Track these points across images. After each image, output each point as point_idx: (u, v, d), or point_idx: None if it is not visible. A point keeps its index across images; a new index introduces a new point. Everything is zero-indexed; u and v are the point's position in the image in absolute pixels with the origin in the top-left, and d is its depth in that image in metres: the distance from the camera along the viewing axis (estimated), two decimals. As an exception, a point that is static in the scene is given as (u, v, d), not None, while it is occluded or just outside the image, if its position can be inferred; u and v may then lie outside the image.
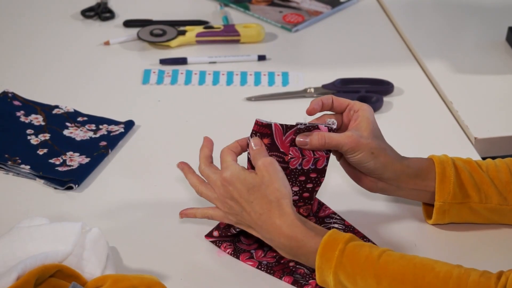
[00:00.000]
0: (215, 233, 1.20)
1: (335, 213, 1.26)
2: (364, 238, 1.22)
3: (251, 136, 1.16)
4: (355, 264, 1.06)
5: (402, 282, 1.04)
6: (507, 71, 1.64)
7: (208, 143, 1.20)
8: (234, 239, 1.21)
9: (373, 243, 1.19)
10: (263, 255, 1.19)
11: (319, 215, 1.26)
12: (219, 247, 1.20)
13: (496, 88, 1.60)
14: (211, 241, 1.21)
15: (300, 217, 1.11)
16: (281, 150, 1.15)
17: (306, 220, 1.12)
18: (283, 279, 1.16)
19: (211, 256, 1.19)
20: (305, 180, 1.17)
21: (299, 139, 1.15)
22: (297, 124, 1.16)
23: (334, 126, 1.17)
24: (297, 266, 1.17)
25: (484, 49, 1.71)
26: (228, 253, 1.19)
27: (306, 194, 1.17)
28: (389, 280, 1.05)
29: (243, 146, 1.16)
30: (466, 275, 1.03)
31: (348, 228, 1.23)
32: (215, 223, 1.22)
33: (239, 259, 1.19)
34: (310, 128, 1.15)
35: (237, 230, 1.18)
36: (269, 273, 1.17)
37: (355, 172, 1.21)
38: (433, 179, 1.20)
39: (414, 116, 1.53)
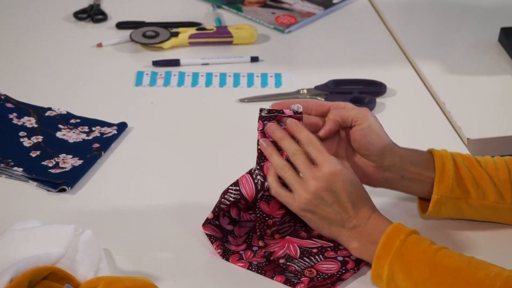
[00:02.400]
0: (210, 215, 1.19)
1: None
2: None
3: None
4: (413, 255, 1.09)
5: (454, 276, 1.07)
6: (499, 71, 1.65)
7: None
8: (223, 238, 1.20)
9: None
10: (252, 255, 1.19)
11: None
12: (212, 243, 1.20)
13: (488, 89, 1.60)
14: (207, 234, 1.20)
15: None
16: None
17: None
18: (275, 278, 1.16)
19: (204, 257, 1.19)
20: None
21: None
22: (261, 110, 1.17)
23: (300, 110, 1.18)
24: (288, 263, 1.17)
25: (477, 50, 1.72)
26: (219, 253, 1.19)
27: None
28: (442, 272, 1.07)
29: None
30: None
31: None
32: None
33: (229, 261, 1.19)
34: (273, 112, 1.16)
35: (228, 202, 1.18)
36: (260, 273, 1.17)
37: (362, 167, 1.22)
38: (433, 170, 1.21)
39: (407, 117, 1.53)
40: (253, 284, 1.16)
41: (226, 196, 1.18)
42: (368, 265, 1.17)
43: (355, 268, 1.16)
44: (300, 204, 1.14)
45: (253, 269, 1.17)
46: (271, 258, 1.18)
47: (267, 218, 1.19)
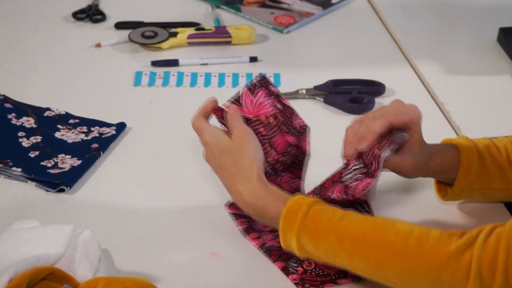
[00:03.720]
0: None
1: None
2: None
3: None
4: (318, 226, 1.08)
5: (363, 241, 1.05)
6: (498, 72, 1.65)
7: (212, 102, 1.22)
8: (251, 219, 1.21)
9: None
10: (271, 238, 1.20)
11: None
12: (236, 219, 1.21)
13: (487, 88, 1.60)
14: (231, 213, 1.22)
15: (265, 183, 1.13)
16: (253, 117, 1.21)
17: (269, 185, 1.13)
18: (275, 263, 1.17)
19: (204, 257, 1.19)
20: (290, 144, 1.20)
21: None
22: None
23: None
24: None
25: (476, 50, 1.72)
26: (240, 229, 1.21)
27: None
28: (351, 239, 1.06)
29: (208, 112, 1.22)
30: (428, 232, 1.04)
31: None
32: (207, 225, 1.22)
33: (247, 237, 1.20)
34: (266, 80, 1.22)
35: None
36: (267, 255, 1.18)
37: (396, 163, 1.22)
38: (457, 168, 1.22)
39: (405, 117, 1.53)
40: (252, 284, 1.16)
41: None
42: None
43: (355, 278, 1.15)
44: None
45: (263, 250, 1.18)
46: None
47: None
